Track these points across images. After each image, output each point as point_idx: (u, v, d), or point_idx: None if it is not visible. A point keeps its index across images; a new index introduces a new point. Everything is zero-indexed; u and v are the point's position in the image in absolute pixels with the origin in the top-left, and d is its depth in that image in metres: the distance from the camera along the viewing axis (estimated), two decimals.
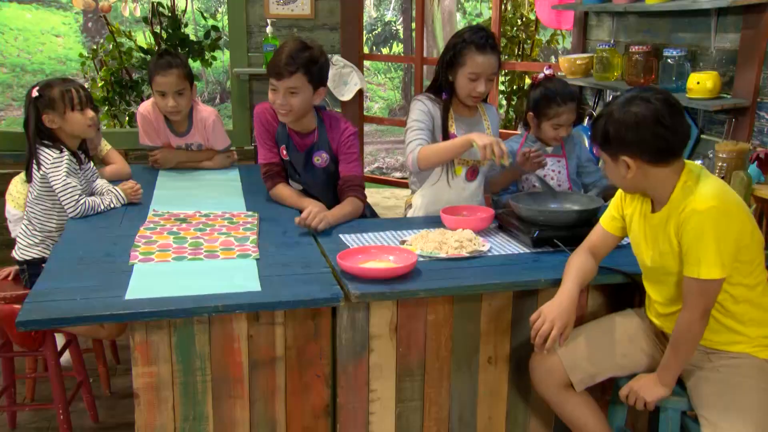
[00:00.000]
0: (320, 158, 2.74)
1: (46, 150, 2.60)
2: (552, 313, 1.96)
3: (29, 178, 2.68)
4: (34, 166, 2.62)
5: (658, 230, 1.92)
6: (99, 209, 2.63)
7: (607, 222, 2.11)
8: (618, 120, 1.84)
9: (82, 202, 2.58)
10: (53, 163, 2.59)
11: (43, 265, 2.54)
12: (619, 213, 2.07)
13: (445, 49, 2.66)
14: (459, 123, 2.71)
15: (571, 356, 2.04)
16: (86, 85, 3.74)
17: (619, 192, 2.08)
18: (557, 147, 2.86)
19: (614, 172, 1.93)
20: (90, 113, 2.69)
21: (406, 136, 2.65)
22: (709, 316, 1.86)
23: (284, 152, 2.78)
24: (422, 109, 2.66)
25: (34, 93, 2.61)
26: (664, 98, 1.83)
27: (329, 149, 2.75)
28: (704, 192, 1.80)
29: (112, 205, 2.68)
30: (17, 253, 2.72)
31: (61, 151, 2.61)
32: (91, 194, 2.73)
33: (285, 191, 2.78)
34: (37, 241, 2.69)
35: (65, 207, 2.57)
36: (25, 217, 2.75)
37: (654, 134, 1.80)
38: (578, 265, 2.05)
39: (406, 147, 2.64)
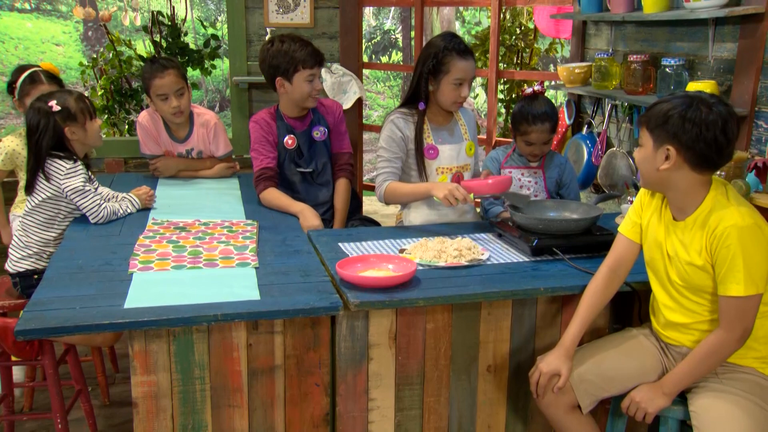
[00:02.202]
0: (319, 132, 3.03)
1: (59, 161, 2.60)
2: (546, 366, 2.00)
3: (30, 191, 2.65)
4: (41, 177, 2.61)
5: (685, 240, 1.88)
6: (119, 214, 2.66)
7: (628, 229, 2.06)
8: (684, 113, 1.78)
9: (104, 206, 2.61)
10: (68, 173, 2.58)
11: (35, 277, 2.54)
12: (639, 218, 2.04)
13: (423, 58, 2.68)
14: (435, 133, 2.75)
15: (581, 380, 2.02)
16: (86, 94, 3.75)
17: (639, 196, 2.05)
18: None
19: (648, 159, 1.87)
20: (98, 121, 2.74)
21: (377, 162, 2.77)
22: (747, 338, 1.84)
23: (289, 141, 2.98)
24: (392, 135, 2.71)
25: (55, 108, 2.58)
26: (733, 112, 1.81)
27: (325, 124, 3.07)
28: (742, 209, 1.80)
29: (129, 211, 2.71)
30: (9, 265, 2.69)
31: (75, 161, 2.62)
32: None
33: (276, 193, 2.93)
34: (29, 252, 2.66)
35: (87, 213, 2.59)
36: (19, 227, 2.70)
37: (714, 140, 1.77)
38: (588, 301, 2.03)
39: (376, 177, 2.74)
